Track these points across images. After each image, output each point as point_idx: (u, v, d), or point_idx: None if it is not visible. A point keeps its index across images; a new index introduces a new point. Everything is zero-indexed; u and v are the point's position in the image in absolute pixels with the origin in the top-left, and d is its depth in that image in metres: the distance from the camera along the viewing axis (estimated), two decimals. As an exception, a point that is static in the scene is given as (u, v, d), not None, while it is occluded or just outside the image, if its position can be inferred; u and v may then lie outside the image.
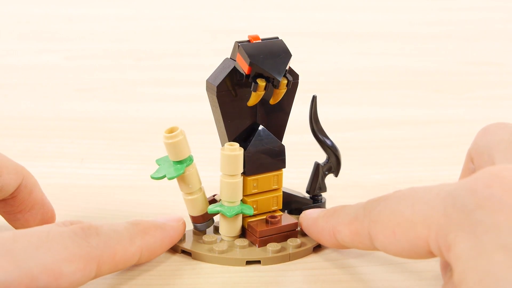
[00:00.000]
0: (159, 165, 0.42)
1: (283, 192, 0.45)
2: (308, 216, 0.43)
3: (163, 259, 0.42)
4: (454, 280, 0.31)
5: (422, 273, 0.41)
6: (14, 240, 0.34)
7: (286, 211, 0.46)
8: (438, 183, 0.34)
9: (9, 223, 0.44)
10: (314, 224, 0.42)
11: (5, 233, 0.34)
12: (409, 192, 0.35)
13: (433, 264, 0.41)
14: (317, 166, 0.46)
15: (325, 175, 0.46)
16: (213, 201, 0.44)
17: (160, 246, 0.40)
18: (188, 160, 0.41)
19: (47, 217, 0.44)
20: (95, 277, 0.36)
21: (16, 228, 0.44)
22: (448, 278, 0.33)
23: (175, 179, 0.42)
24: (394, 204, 0.35)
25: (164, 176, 0.41)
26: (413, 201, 0.34)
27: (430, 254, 0.33)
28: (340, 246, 0.40)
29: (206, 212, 0.43)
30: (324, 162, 0.46)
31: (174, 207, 0.48)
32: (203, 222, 0.43)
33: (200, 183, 0.42)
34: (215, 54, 0.89)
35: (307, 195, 0.47)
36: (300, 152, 0.56)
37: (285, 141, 0.44)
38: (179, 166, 0.41)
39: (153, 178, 0.41)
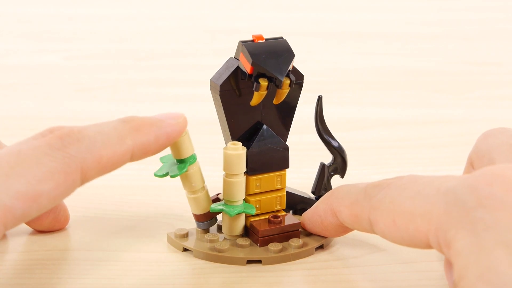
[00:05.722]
0: (163, 163, 0.42)
1: (288, 192, 0.45)
2: (308, 210, 0.43)
3: (163, 259, 0.42)
4: (454, 276, 0.31)
5: (423, 273, 0.41)
6: None
7: (291, 211, 0.46)
8: (438, 175, 0.35)
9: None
10: (315, 211, 0.42)
11: None
12: (409, 183, 0.35)
13: (435, 264, 0.41)
14: (322, 166, 0.46)
15: (331, 176, 0.46)
16: (216, 200, 0.44)
17: (154, 144, 0.37)
18: (192, 159, 0.41)
19: (60, 216, 0.44)
20: (82, 184, 0.34)
21: (29, 226, 0.44)
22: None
23: (178, 178, 0.42)
24: (395, 193, 0.35)
25: (167, 174, 0.41)
26: (414, 193, 0.34)
27: (429, 246, 0.34)
28: (343, 227, 0.40)
29: (209, 211, 0.43)
30: (330, 163, 0.46)
31: (175, 207, 0.48)
32: (206, 221, 0.43)
33: (203, 182, 0.42)
34: (215, 54, 0.90)
35: (312, 196, 0.47)
36: (303, 152, 0.56)
37: (288, 141, 0.44)
38: (182, 165, 0.41)
39: (156, 175, 0.41)
